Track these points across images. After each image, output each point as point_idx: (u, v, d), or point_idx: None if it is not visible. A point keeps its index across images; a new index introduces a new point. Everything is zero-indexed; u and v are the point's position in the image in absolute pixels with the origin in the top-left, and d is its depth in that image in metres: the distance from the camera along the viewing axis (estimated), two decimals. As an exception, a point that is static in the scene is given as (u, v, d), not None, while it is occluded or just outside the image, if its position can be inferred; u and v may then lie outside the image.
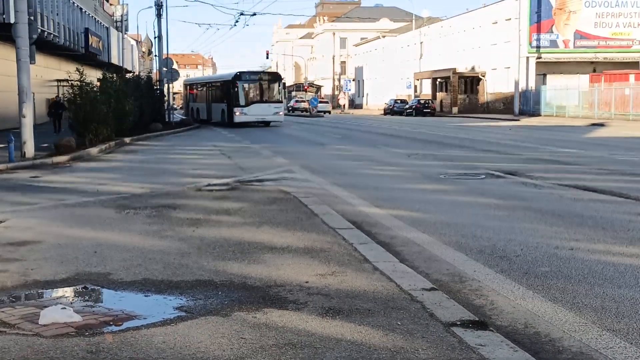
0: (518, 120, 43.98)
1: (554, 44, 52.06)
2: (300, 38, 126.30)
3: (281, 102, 38.56)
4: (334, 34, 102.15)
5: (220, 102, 38.87)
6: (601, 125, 35.58)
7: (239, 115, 36.02)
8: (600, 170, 14.15)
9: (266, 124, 37.53)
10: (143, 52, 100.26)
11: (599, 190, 10.97)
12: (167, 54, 39.68)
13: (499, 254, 6.75)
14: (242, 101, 36.46)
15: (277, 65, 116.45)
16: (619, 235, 7.59)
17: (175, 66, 42.52)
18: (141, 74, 59.30)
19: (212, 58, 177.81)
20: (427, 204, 9.91)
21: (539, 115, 47.95)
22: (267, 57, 72.65)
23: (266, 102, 36.88)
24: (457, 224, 8.33)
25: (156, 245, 6.91)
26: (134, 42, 74.58)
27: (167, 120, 37.79)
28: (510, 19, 52.37)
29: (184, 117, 47.20)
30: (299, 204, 9.40)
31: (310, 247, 6.77)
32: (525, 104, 50.68)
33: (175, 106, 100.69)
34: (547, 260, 6.51)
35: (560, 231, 7.86)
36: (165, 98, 39.62)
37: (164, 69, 38.67)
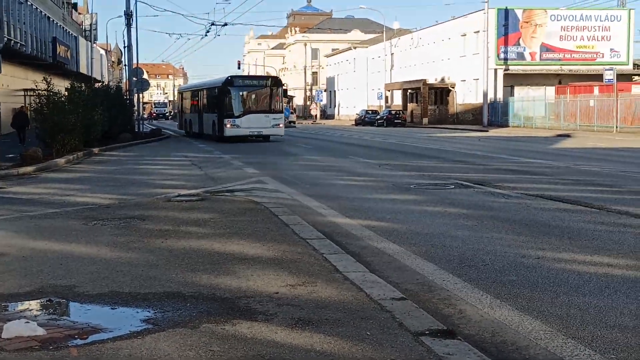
0: (487, 131, 44.43)
1: (521, 56, 52.77)
2: (272, 48, 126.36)
3: (281, 112, 32.12)
4: (305, 44, 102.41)
5: (211, 112, 33.19)
6: (567, 136, 36.09)
7: (230, 128, 30.35)
8: (565, 181, 14.34)
9: (265, 138, 31.62)
10: (112, 61, 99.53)
11: (565, 200, 11.12)
12: (137, 63, 39.35)
13: (468, 263, 6.81)
14: (234, 111, 30.79)
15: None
16: (583, 244, 7.70)
17: (145, 76, 42.21)
18: (110, 83, 58.87)
19: (183, 68, 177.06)
20: (397, 214, 9.95)
21: (507, 126, 48.48)
22: (239, 68, 72.47)
23: (263, 112, 31.08)
24: (427, 234, 8.39)
25: (124, 257, 6.84)
26: (103, 52, 74.04)
27: (137, 130, 37.49)
28: (478, 31, 52.96)
29: (178, 130, 43.11)
30: (269, 214, 9.38)
31: (281, 257, 6.76)
32: (493, 115, 51.22)
33: (167, 114, 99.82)
34: (514, 269, 6.57)
35: (527, 240, 7.95)
36: (135, 108, 39.34)
37: (134, 78, 38.38)
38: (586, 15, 53.08)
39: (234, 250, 7.08)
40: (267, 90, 31.66)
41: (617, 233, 8.31)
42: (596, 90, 41.20)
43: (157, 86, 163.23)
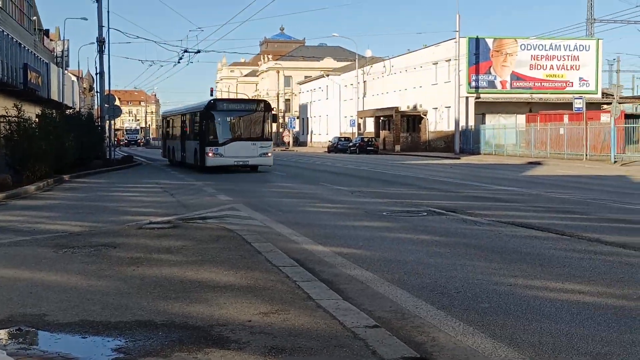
0: (459, 158, 44.81)
1: (492, 84, 53.50)
2: (245, 75, 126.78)
3: (270, 139, 29.22)
4: (278, 72, 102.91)
5: (194, 139, 30.44)
6: (538, 163, 36.52)
7: (212, 157, 27.47)
8: (537, 208, 14.48)
9: (252, 168, 28.93)
10: (84, 88, 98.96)
11: (536, 227, 11.22)
12: (109, 90, 39.17)
13: (440, 291, 6.83)
14: (217, 138, 27.76)
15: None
16: (555, 271, 7.77)
17: (117, 102, 42.07)
18: (82, 110, 58.49)
19: (155, 95, 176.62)
20: (370, 241, 9.96)
21: (478, 153, 48.96)
22: (212, 94, 72.40)
23: (250, 139, 28.11)
24: (399, 261, 8.40)
25: (95, 285, 6.76)
26: (74, 78, 73.63)
27: (108, 157, 37.25)
28: (450, 59, 53.64)
29: (162, 158, 40.08)
30: (242, 241, 9.34)
31: (254, 285, 6.72)
32: (465, 142, 51.72)
33: (139, 140, 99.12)
34: (486, 296, 6.60)
35: (500, 267, 8.00)
36: (107, 135, 39.11)
37: (106, 105, 38.21)
38: (556, 45, 54.06)
39: (206, 278, 7.03)
40: (255, 115, 28.72)
41: (589, 260, 8.40)
42: (566, 118, 41.82)
43: (129, 113, 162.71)
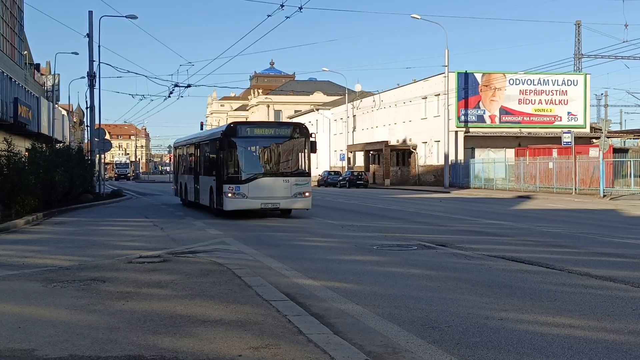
0: (448, 192, 44.94)
1: (481, 119, 53.90)
2: (235, 110, 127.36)
3: (308, 174, 21.89)
4: (268, 106, 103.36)
5: (209, 174, 23.55)
6: (527, 197, 36.65)
7: (232, 198, 20.81)
8: (527, 242, 14.52)
9: (284, 212, 22.17)
10: (74, 122, 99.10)
11: (527, 261, 11.25)
12: (99, 124, 39.24)
13: (431, 325, 6.82)
14: (237, 173, 21.15)
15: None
16: (545, 305, 7.77)
17: (107, 136, 42.08)
18: (72, 144, 58.51)
19: (145, 129, 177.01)
20: (361, 275, 9.95)
21: (468, 187, 49.14)
22: (202, 129, 72.58)
23: (281, 174, 21.36)
24: (390, 295, 8.39)
25: (84, 320, 6.71)
26: (65, 112, 73.73)
27: (98, 191, 37.16)
28: (439, 94, 54.07)
29: (174, 196, 32.72)
30: (232, 276, 9.31)
31: (244, 319, 6.69)
32: (455, 176, 51.92)
33: (128, 174, 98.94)
34: (477, 330, 6.59)
35: (490, 301, 8.00)
36: (96, 169, 39.05)
37: (96, 139, 38.21)
38: (544, 80, 54.63)
39: (196, 312, 7.00)
40: (289, 142, 21.76)
41: (578, 294, 8.41)
42: (555, 152, 42.11)
43: (119, 147, 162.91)
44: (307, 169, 21.57)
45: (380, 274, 10.11)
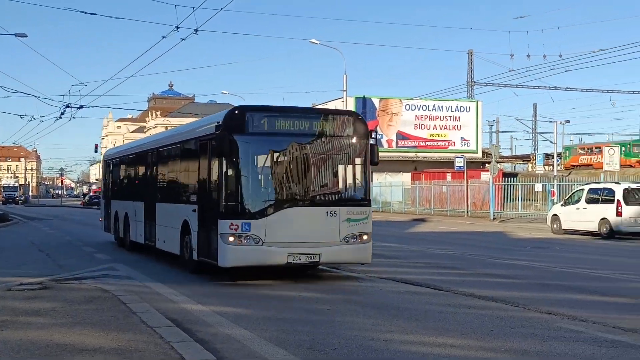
0: (346, 215, 45.27)
1: (378, 143, 54.89)
2: (132, 132, 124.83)
3: (367, 201, 12.38)
4: (166, 128, 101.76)
5: (181, 199, 14.02)
6: (422, 220, 37.52)
7: (235, 245, 11.24)
8: (418, 264, 14.82)
9: (313, 267, 12.93)
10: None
11: (416, 282, 11.46)
12: (-14, 145, 37.53)
13: (318, 348, 6.81)
14: (242, 199, 11.52)
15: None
16: (430, 325, 7.92)
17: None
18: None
19: (36, 150, 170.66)
20: (251, 300, 9.85)
21: (366, 210, 49.75)
22: (96, 151, 70.52)
23: (323, 202, 11.94)
24: (279, 319, 8.34)
25: (-49, 352, 6.32)
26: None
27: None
28: (337, 118, 54.59)
29: (104, 232, 21.74)
30: (117, 302, 9.03)
31: (125, 347, 6.48)
32: (353, 199, 52.44)
33: (17, 198, 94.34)
34: (362, 352, 6.64)
35: (378, 323, 8.08)
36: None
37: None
38: (438, 106, 56.33)
39: (74, 341, 6.72)
40: (335, 146, 12.32)
41: (462, 314, 8.62)
42: (449, 176, 43.36)
43: (7, 169, 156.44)
44: (365, 192, 12.43)
45: (270, 298, 10.04)
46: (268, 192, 11.76)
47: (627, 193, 23.47)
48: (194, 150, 13.30)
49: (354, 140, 12.28)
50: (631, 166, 47.30)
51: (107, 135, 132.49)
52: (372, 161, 12.36)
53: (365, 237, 11.89)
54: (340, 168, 12.39)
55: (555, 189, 34.58)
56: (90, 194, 78.67)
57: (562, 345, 6.98)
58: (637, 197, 23.58)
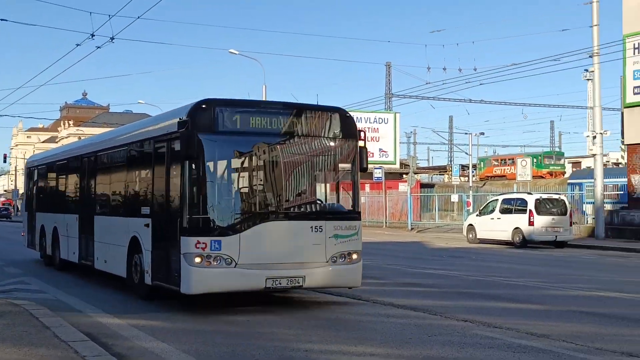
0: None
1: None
2: (43, 142, 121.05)
3: (357, 214, 10.88)
4: (80, 138, 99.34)
5: (131, 211, 11.64)
6: (342, 230, 37.70)
7: (203, 267, 9.23)
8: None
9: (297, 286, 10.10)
10: None
11: (335, 293, 11.49)
12: None
13: (237, 359, 6.76)
14: (214, 212, 9.49)
15: (16, 170, 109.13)
16: (350, 335, 7.98)
17: None
18: None
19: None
20: (170, 312, 9.68)
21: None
22: (5, 161, 68.21)
23: (307, 215, 10.19)
24: (198, 331, 8.23)
25: None
26: None
27: None
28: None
29: (27, 248, 19.37)
30: (29, 317, 8.69)
31: (37, 363, 6.25)
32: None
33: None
34: (282, 363, 6.61)
35: (298, 334, 8.08)
36: None
37: None
38: (357, 117, 56.63)
39: (-17, 358, 6.44)
40: (321, 148, 10.60)
41: (380, 323, 8.72)
42: (367, 187, 43.85)
43: None
44: (355, 202, 11.03)
45: (191, 311, 9.89)
46: (242, 203, 10.06)
47: (538, 203, 24.29)
48: (147, 153, 11.18)
49: (341, 141, 10.59)
50: (542, 177, 49.10)
51: (16, 145, 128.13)
52: (362, 167, 10.89)
53: (355, 256, 10.29)
54: (327, 175, 10.87)
55: (470, 200, 35.50)
56: None
57: (478, 351, 7.14)
58: (548, 207, 24.44)
